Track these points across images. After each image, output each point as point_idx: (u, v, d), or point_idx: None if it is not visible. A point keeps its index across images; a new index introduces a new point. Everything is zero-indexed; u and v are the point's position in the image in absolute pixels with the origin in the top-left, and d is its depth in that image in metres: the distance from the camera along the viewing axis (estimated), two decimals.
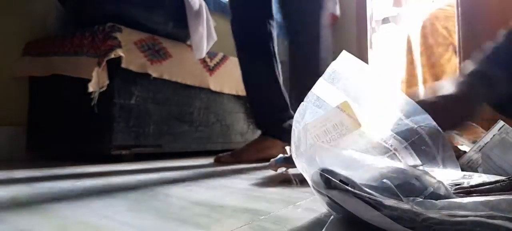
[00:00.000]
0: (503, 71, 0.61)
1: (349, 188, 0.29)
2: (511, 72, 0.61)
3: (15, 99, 1.16)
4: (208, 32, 1.23)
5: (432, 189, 0.31)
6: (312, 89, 0.38)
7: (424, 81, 2.07)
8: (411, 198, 0.27)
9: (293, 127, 0.36)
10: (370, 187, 0.30)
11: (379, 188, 0.30)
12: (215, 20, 1.36)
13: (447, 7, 1.97)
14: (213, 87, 1.31)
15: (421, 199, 0.27)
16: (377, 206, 0.28)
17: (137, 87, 1.05)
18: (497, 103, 0.66)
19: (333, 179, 0.30)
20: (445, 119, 0.47)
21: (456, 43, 1.50)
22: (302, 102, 0.38)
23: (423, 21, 2.15)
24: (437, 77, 2.05)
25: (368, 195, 0.28)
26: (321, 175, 0.31)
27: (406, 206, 0.27)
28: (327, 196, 0.31)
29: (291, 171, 0.75)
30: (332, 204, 0.32)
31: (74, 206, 0.44)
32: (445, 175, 0.40)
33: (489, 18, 1.33)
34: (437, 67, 2.07)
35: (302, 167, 0.34)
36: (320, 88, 0.39)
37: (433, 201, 0.27)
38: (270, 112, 1.09)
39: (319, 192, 0.32)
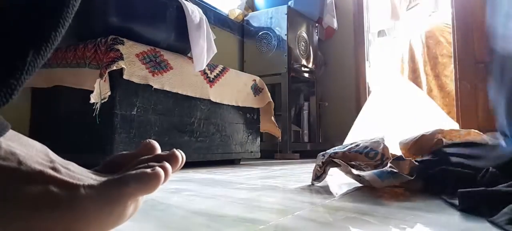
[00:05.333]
0: None
1: None
2: None
3: (17, 110, 1.18)
4: (208, 44, 1.25)
5: None
6: None
7: (429, 91, 2.08)
8: None
9: None
10: None
11: None
12: (215, 33, 1.38)
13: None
14: (213, 98, 1.33)
15: None
16: None
17: (139, 98, 1.07)
18: None
19: None
20: None
21: (452, 50, 1.52)
22: None
23: (426, 31, 2.17)
24: (442, 87, 2.07)
25: None
26: None
27: None
28: None
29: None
30: None
31: None
32: None
33: (482, 28, 1.36)
34: (442, 78, 2.09)
35: None
36: None
37: None
38: None
39: None
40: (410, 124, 0.93)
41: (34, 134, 1.19)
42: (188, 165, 1.24)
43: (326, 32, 2.56)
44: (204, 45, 1.23)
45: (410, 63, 2.22)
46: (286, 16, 2.07)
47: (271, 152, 2.01)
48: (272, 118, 1.69)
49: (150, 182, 0.30)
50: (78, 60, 1.06)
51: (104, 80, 0.96)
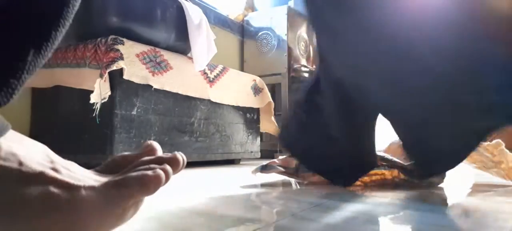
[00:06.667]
0: None
1: None
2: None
3: (18, 110, 1.18)
4: (208, 44, 1.25)
5: None
6: None
7: None
8: None
9: None
10: None
11: None
12: (215, 33, 1.38)
13: None
14: (213, 98, 1.33)
15: None
16: None
17: (139, 98, 1.07)
18: None
19: None
20: None
21: None
22: None
23: None
24: None
25: None
26: None
27: None
28: None
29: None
30: None
31: None
32: None
33: None
34: None
35: None
36: None
37: None
38: None
39: None
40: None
41: (34, 134, 1.19)
42: (188, 165, 1.23)
43: None
44: (204, 45, 1.23)
45: None
46: (286, 16, 2.07)
47: (271, 152, 2.01)
48: (272, 118, 1.69)
49: (150, 184, 0.30)
50: (78, 60, 1.06)
51: (104, 80, 0.96)
